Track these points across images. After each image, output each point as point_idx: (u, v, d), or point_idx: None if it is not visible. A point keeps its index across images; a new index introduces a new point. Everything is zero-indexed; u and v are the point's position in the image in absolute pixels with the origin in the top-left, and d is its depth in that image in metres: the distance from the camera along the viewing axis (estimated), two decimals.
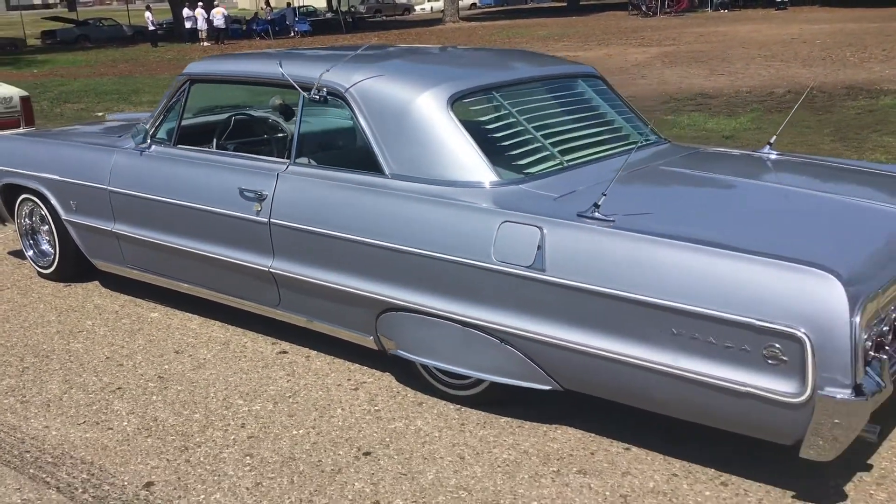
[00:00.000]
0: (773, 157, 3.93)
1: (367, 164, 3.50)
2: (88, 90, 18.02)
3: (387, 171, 3.43)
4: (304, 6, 43.07)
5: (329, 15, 41.62)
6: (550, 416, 3.21)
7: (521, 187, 3.27)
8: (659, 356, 2.70)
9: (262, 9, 38.93)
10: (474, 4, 58.66)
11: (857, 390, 2.41)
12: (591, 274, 2.82)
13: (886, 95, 11.98)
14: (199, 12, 31.43)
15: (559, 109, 3.90)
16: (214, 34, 31.54)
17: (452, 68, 3.91)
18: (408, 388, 3.50)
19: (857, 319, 2.39)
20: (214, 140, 4.28)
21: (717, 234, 2.77)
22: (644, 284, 2.71)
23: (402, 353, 3.38)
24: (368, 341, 3.53)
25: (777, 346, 2.48)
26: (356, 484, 2.82)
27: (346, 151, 3.69)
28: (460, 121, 3.41)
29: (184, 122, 4.25)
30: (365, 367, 3.71)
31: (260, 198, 3.70)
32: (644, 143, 3.96)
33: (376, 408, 3.35)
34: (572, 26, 33.05)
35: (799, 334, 2.43)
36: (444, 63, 4.15)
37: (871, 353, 2.53)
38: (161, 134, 4.28)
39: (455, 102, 3.44)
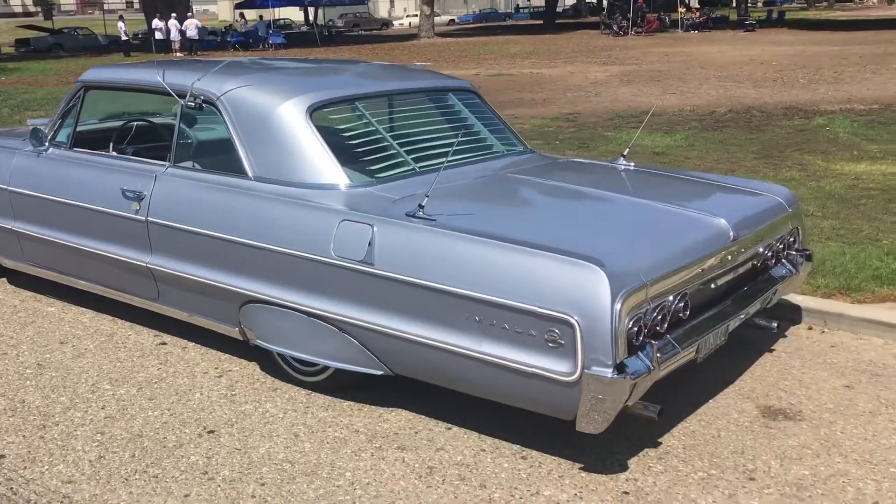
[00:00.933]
0: (620, 167, 4.25)
1: (235, 167, 3.78)
2: (51, 98, 18.17)
3: (250, 174, 3.71)
4: (281, 19, 43.46)
5: (304, 28, 42.03)
6: (390, 400, 3.48)
7: (369, 190, 3.56)
8: (465, 341, 2.98)
9: (236, 21, 39.26)
10: (452, 21, 59.37)
11: (619, 369, 2.70)
12: (412, 267, 3.10)
13: (821, 116, 12.38)
14: (173, 23, 31.69)
15: (422, 120, 4.19)
16: (188, 45, 31.80)
17: (317, 80, 4.20)
18: (268, 376, 3.76)
19: (619, 307, 2.68)
20: (110, 144, 4.54)
21: (517, 232, 3.06)
22: (453, 276, 2.99)
23: (259, 342, 3.64)
24: (235, 332, 3.79)
25: (556, 330, 2.77)
26: (192, 457, 3.08)
27: (219, 155, 3.96)
28: (319, 129, 3.69)
29: (82, 128, 4.51)
30: (234, 358, 3.97)
31: (139, 198, 3.96)
32: (505, 153, 4.26)
33: (233, 392, 3.62)
34: (544, 44, 33.53)
35: (571, 320, 2.72)
36: (310, 75, 4.44)
37: (642, 338, 2.83)
38: (60, 137, 4.54)
39: (314, 112, 3.72)
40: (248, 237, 3.56)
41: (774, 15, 38.61)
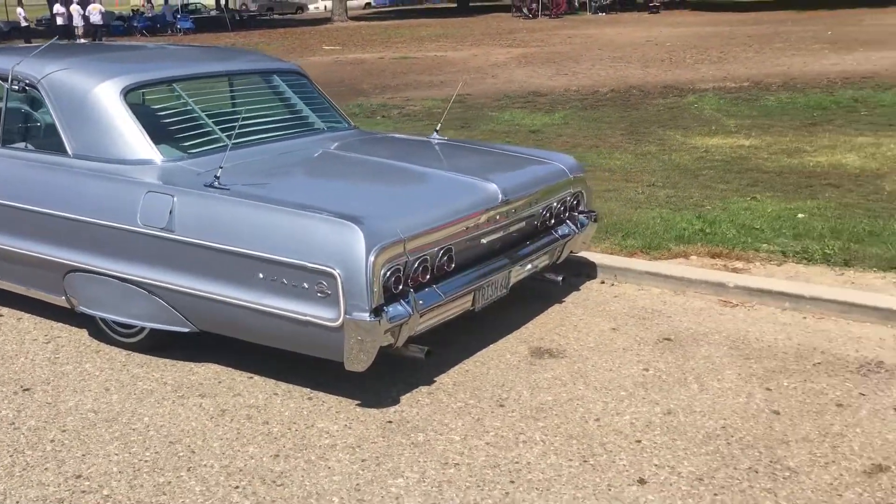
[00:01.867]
0: (434, 141, 4.65)
1: (57, 146, 4.03)
2: None
3: (70, 152, 3.97)
4: (190, 3, 42.77)
5: (214, 12, 41.48)
6: (202, 356, 3.81)
7: (179, 164, 3.87)
8: (252, 296, 3.33)
9: (142, 5, 38.51)
10: (368, 4, 59.23)
11: (376, 313, 3.10)
12: (206, 232, 3.43)
13: (694, 94, 13.06)
14: (75, 8, 30.93)
15: (242, 100, 4.52)
16: (92, 31, 31.10)
17: (134, 63, 4.48)
18: (94, 340, 4.04)
19: (373, 259, 3.07)
20: None
21: (298, 197, 3.43)
22: (241, 238, 3.34)
23: (83, 309, 3.93)
24: (62, 301, 4.05)
25: (323, 282, 3.14)
26: (3, 412, 3.36)
27: (43, 135, 4.20)
28: (134, 108, 3.98)
29: None
30: (66, 326, 4.23)
31: None
32: (325, 129, 4.62)
33: (57, 356, 3.89)
34: (455, 27, 33.91)
35: (334, 272, 3.10)
36: (128, 59, 4.71)
37: (402, 287, 3.23)
38: None
39: (129, 92, 4.00)
40: (68, 211, 3.83)
41: None
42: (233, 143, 4.12)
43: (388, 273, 3.15)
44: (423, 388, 3.48)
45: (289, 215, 3.27)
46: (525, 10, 36.42)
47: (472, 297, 3.65)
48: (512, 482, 2.80)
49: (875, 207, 6.06)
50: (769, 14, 32.69)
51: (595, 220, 4.53)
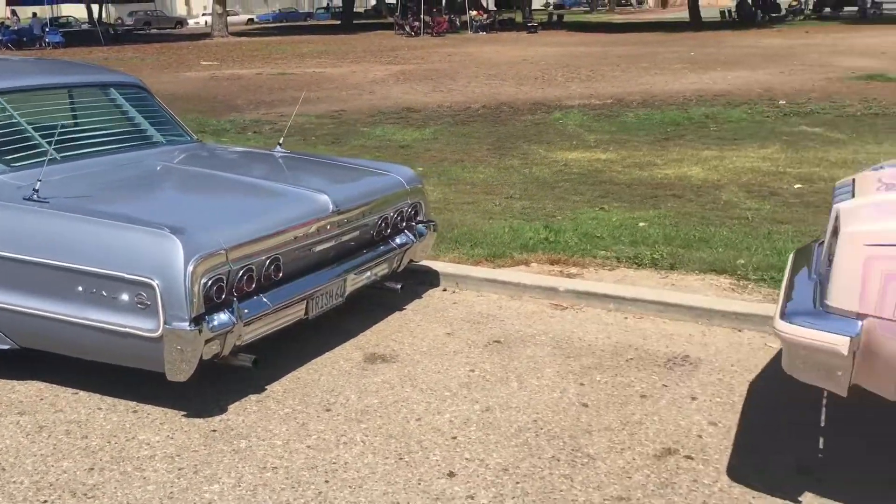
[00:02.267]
0: (270, 153, 4.71)
1: None
2: None
3: None
4: (60, 16, 41.04)
5: (86, 26, 39.95)
6: (27, 373, 3.71)
7: (1, 178, 3.77)
8: (72, 310, 3.28)
9: (8, 18, 36.72)
10: (251, 20, 58.47)
11: (196, 323, 3.12)
12: (25, 246, 3.37)
13: (560, 110, 13.55)
14: None
15: (75, 113, 4.45)
16: None
17: None
18: None
19: (192, 269, 3.10)
20: None
21: (120, 209, 3.43)
22: (59, 252, 3.30)
23: None
24: None
25: (143, 293, 3.14)
26: None
27: None
28: None
29: None
30: None
31: None
32: (164, 142, 4.60)
33: None
34: (337, 44, 33.89)
35: (153, 283, 3.11)
36: None
37: (225, 296, 3.26)
38: None
39: None
40: None
41: (554, 18, 41.23)
42: (61, 157, 4.07)
43: (210, 283, 3.18)
44: (253, 397, 3.52)
45: (108, 227, 3.25)
46: (407, 28, 36.84)
47: (305, 306, 3.72)
48: (327, 482, 2.88)
49: (710, 216, 6.50)
50: (639, 35, 34.27)
51: (434, 230, 4.68)
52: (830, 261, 2.45)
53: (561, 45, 30.67)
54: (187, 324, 3.10)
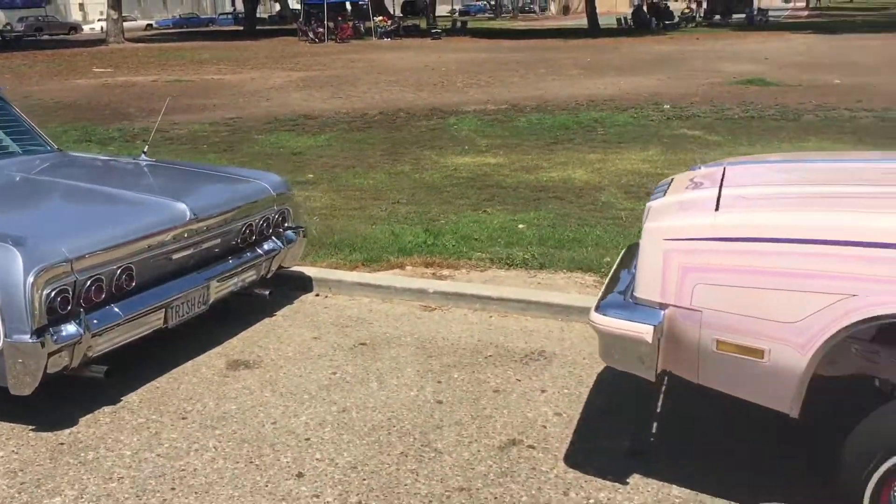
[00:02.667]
0: (134, 162, 4.66)
1: None
2: None
3: None
4: None
5: None
6: None
7: None
8: None
9: None
10: (150, 25, 56.90)
11: (37, 334, 3.08)
12: None
13: (456, 116, 13.73)
14: None
15: None
16: None
17: None
18: None
19: (32, 280, 3.06)
20: None
21: None
22: None
23: None
24: None
25: None
26: None
27: None
28: None
29: None
30: None
31: None
32: (20, 152, 4.50)
33: None
34: (239, 50, 33.37)
35: None
36: None
37: (71, 307, 3.23)
38: None
39: None
40: None
41: (458, 25, 41.66)
42: None
43: (53, 294, 3.15)
44: (107, 408, 3.48)
45: None
46: (311, 35, 36.56)
47: (164, 315, 3.70)
48: (173, 489, 2.89)
49: (587, 216, 6.73)
50: (540, 42, 34.96)
51: (304, 235, 4.72)
52: None
53: (463, 51, 31.01)
54: (29, 336, 3.06)
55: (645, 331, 2.46)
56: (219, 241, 4.06)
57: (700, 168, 3.37)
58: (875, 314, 2.20)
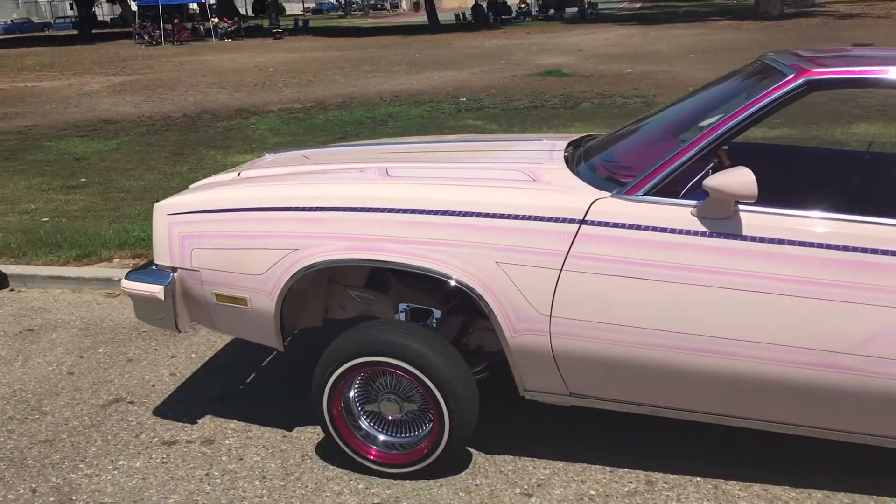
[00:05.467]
0: None
1: None
2: None
3: None
4: None
5: None
6: None
7: None
8: None
9: None
10: None
11: None
12: None
13: (258, 115, 14.05)
14: None
15: None
16: None
17: None
18: None
19: None
20: None
21: None
22: None
23: None
24: None
25: None
26: None
27: None
28: None
29: None
30: None
31: None
32: None
33: None
34: (68, 56, 32.30)
35: None
36: None
37: None
38: None
39: None
40: None
41: (301, 24, 41.69)
42: None
43: None
44: None
45: None
46: (146, 37, 35.75)
47: None
48: None
49: None
50: (380, 39, 35.54)
51: None
52: None
53: (300, 50, 31.19)
54: None
55: (157, 290, 2.97)
56: None
57: (265, 157, 3.94)
58: (312, 262, 2.78)
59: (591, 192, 2.68)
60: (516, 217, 2.64)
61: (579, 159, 3.09)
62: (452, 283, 2.67)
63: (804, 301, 2.41)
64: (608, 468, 2.96)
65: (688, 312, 2.49)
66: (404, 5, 75.70)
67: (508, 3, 44.33)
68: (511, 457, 3.06)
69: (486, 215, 2.67)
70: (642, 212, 2.57)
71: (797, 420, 2.60)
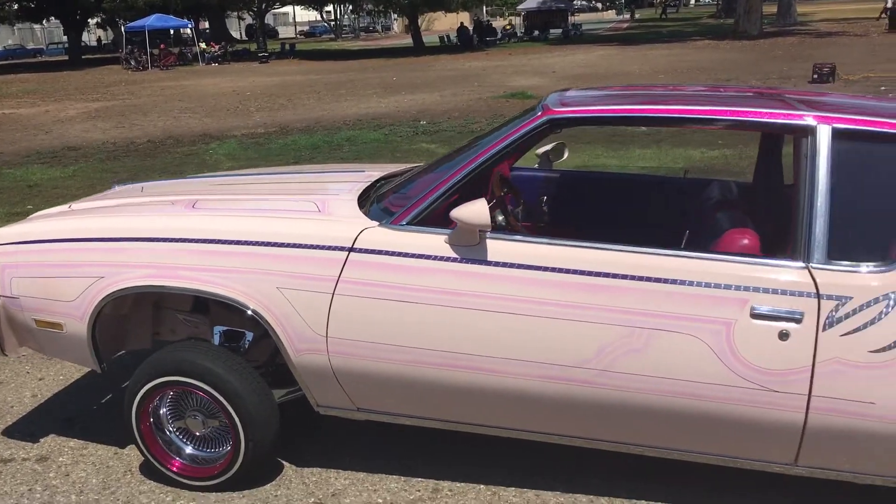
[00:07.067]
0: None
1: None
2: None
3: None
4: None
5: None
6: None
7: None
8: None
9: None
10: None
11: None
12: None
13: (220, 140, 14.31)
14: None
15: None
16: None
17: None
18: None
19: None
20: None
21: None
22: None
23: None
24: None
25: None
26: None
27: None
28: None
29: None
30: None
31: None
32: None
33: None
34: (53, 82, 32.74)
35: None
36: None
37: None
38: None
39: None
40: None
41: (287, 47, 42.18)
42: None
43: None
44: None
45: None
46: (133, 62, 36.19)
47: None
48: None
49: None
50: (363, 62, 35.91)
51: None
52: None
53: (282, 74, 31.56)
54: None
55: None
56: None
57: (114, 187, 4.16)
58: (116, 289, 3.00)
59: (362, 223, 2.90)
60: (294, 245, 2.86)
61: (380, 192, 3.31)
62: (241, 307, 2.88)
63: (539, 321, 2.61)
64: (403, 478, 3.15)
65: (443, 331, 2.69)
66: (396, 28, 76.46)
67: (493, 25, 44.81)
68: (318, 469, 3.25)
69: (268, 244, 2.88)
70: (404, 240, 2.78)
71: (558, 430, 2.79)
